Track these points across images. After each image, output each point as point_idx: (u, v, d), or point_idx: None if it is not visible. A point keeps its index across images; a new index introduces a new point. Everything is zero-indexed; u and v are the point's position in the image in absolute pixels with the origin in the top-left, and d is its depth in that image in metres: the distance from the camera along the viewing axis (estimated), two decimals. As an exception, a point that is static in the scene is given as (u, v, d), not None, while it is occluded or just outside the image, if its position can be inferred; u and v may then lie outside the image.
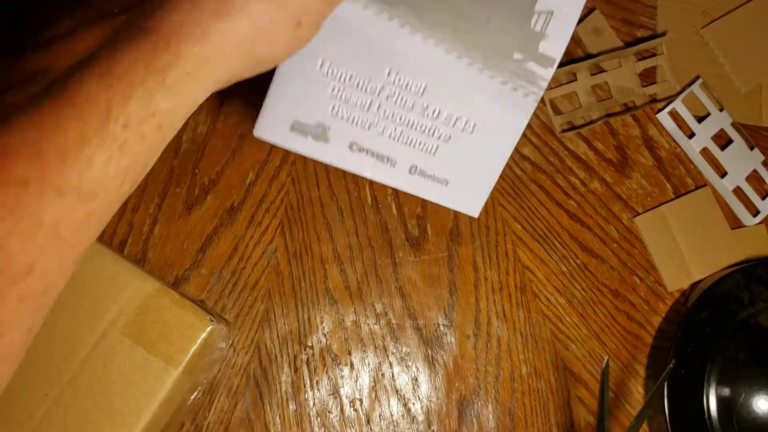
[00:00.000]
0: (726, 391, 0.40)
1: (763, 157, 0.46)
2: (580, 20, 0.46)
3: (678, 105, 0.46)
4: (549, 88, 0.46)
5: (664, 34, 0.46)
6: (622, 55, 0.45)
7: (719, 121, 0.46)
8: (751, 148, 0.46)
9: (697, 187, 0.46)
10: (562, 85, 0.46)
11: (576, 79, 0.46)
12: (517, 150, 0.45)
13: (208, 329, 0.33)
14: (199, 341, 0.32)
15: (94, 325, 0.31)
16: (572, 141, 0.45)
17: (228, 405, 0.40)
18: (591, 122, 0.45)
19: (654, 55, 0.46)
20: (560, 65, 0.46)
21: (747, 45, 0.46)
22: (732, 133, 0.46)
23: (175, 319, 0.32)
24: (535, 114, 0.45)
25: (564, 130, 0.45)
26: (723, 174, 0.46)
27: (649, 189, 0.45)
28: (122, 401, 0.31)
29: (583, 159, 0.45)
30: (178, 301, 0.32)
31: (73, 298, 0.32)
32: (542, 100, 0.45)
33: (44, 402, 0.31)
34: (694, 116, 0.46)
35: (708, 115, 0.46)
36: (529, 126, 0.45)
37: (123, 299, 0.32)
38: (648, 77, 0.46)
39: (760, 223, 0.45)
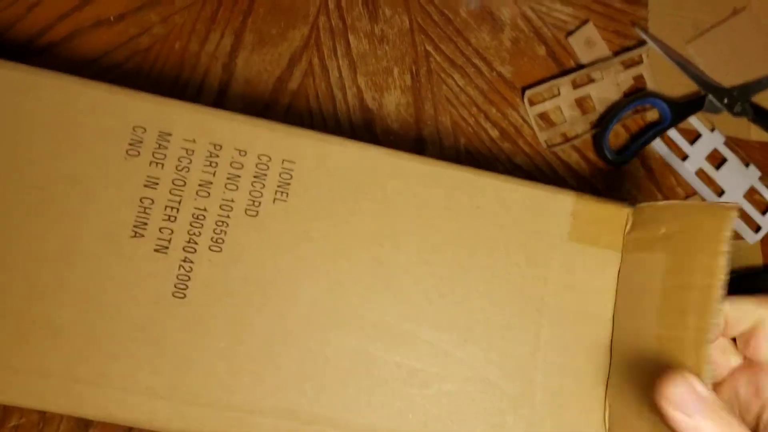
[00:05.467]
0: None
1: (759, 173, 0.43)
2: (573, 31, 0.45)
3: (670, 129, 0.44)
4: (533, 104, 0.44)
5: (644, 43, 0.45)
6: (604, 68, 0.44)
7: (711, 141, 0.44)
8: (747, 165, 0.43)
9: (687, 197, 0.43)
10: (546, 101, 0.44)
11: (559, 94, 0.44)
12: (509, 159, 0.43)
13: (630, 210, 0.33)
14: (627, 223, 0.33)
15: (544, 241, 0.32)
16: (564, 151, 0.43)
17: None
18: (576, 137, 0.43)
19: (639, 63, 0.45)
20: (547, 79, 0.44)
21: (732, 60, 0.45)
22: (725, 152, 0.44)
23: (602, 211, 0.32)
24: (526, 124, 0.43)
25: (550, 146, 0.43)
26: (720, 193, 0.43)
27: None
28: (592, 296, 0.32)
29: (575, 169, 0.43)
30: (596, 199, 0.33)
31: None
32: (529, 115, 0.44)
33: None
34: (686, 139, 0.44)
35: (699, 136, 0.44)
36: (521, 136, 0.43)
37: (553, 214, 0.32)
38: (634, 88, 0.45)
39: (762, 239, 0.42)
